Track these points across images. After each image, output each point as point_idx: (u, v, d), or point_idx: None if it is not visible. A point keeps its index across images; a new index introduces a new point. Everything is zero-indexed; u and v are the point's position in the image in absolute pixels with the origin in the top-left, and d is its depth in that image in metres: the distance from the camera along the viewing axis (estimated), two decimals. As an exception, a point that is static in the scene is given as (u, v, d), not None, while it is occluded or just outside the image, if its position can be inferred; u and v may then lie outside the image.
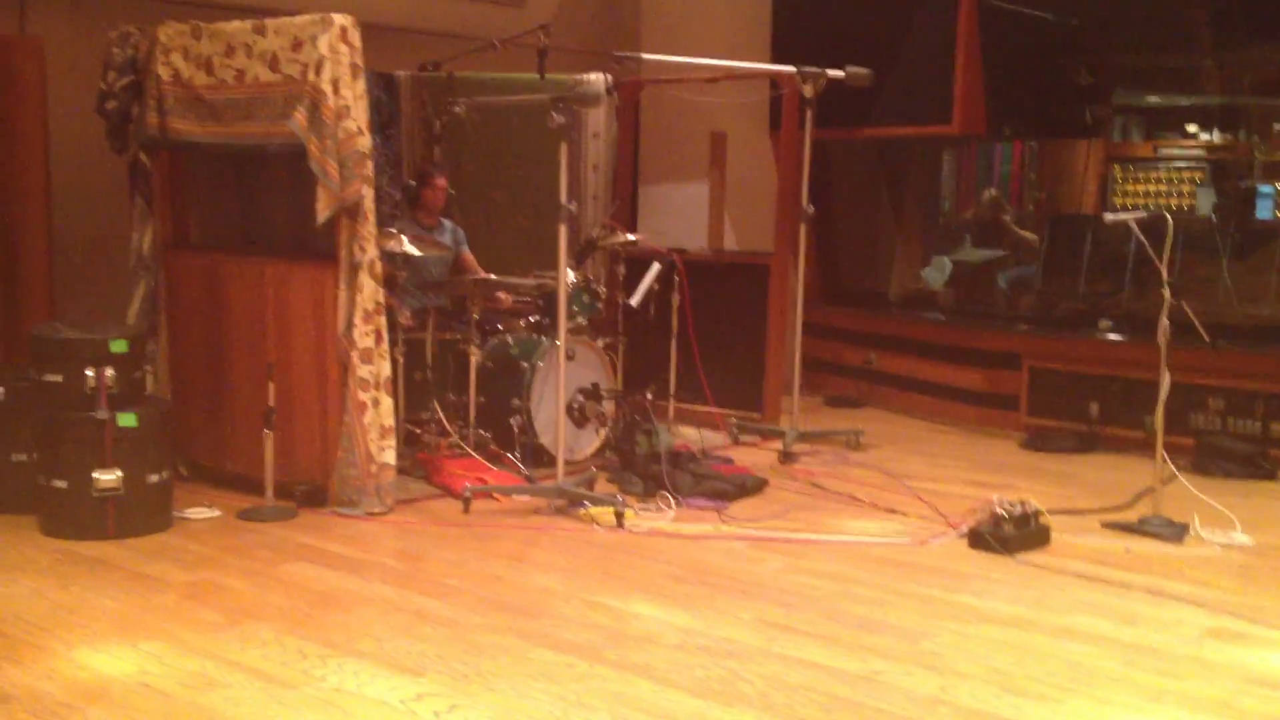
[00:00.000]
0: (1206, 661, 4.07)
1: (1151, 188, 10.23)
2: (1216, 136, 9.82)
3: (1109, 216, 5.76)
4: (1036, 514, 5.43)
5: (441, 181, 7.06)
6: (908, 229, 9.94)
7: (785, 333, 7.36)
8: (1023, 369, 7.86)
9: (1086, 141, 9.81)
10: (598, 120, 7.94)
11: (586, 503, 5.73)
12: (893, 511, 5.93)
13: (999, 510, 5.35)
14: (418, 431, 6.57)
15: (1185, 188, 10.01)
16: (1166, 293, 5.50)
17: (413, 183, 7.06)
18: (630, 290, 7.25)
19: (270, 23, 5.56)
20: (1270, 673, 3.97)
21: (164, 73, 5.90)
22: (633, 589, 4.69)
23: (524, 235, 7.87)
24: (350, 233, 5.51)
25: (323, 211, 5.44)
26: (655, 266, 7.24)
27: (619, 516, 5.56)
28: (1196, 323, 5.76)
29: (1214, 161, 9.88)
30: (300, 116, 5.39)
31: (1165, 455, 5.72)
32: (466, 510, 5.73)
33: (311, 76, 5.39)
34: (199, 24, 5.82)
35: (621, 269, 7.24)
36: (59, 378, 5.11)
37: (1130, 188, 10.26)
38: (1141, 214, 5.72)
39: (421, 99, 7.91)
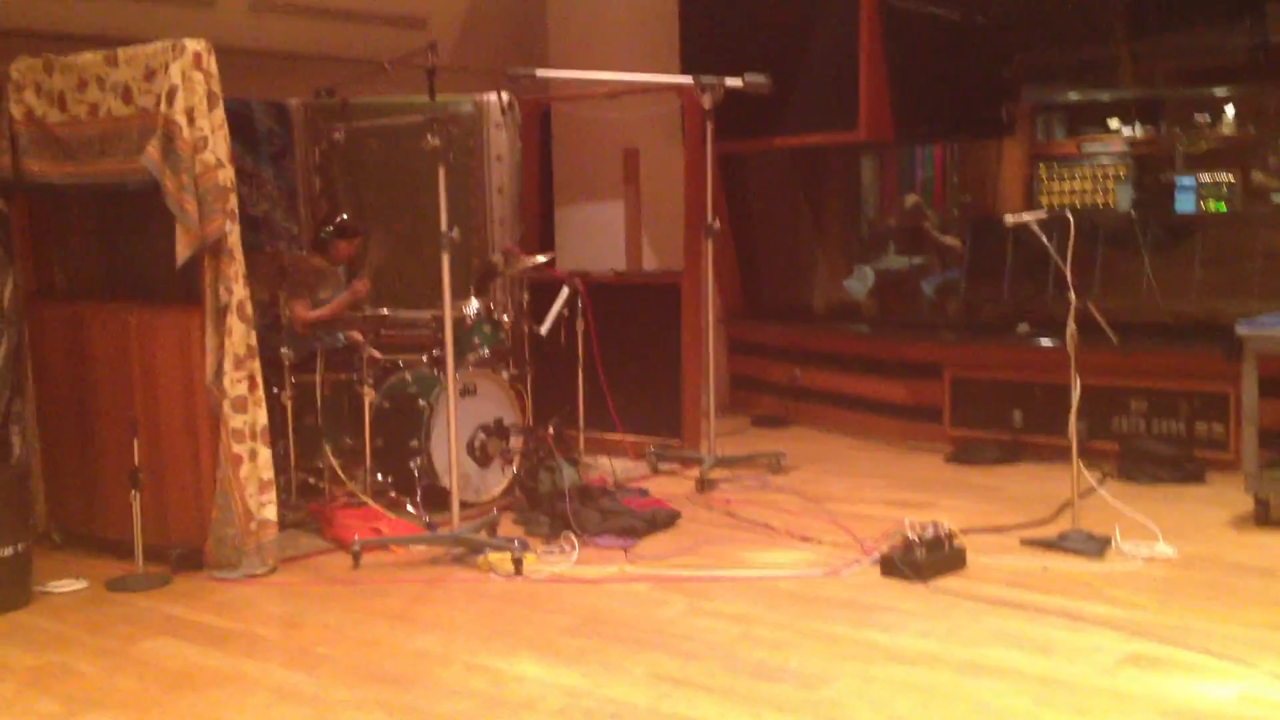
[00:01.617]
0: (1122, 694, 3.81)
1: (1077, 185, 10.06)
2: (1138, 130, 9.66)
3: (1009, 218, 5.52)
4: (950, 536, 5.16)
5: (355, 245, 6.74)
6: (828, 239, 9.71)
7: (700, 353, 7.07)
8: (944, 379, 7.62)
9: (1009, 141, 9.62)
10: (500, 142, 7.64)
11: (486, 549, 5.41)
12: (807, 539, 5.66)
13: (910, 534, 5.09)
14: (311, 481, 6.24)
15: (1110, 184, 9.85)
16: (1071, 295, 5.26)
17: (330, 230, 6.71)
18: (539, 318, 6.96)
19: (122, 52, 5.24)
20: (1188, 703, 3.72)
21: (16, 111, 5.56)
22: (521, 646, 4.38)
23: (432, 265, 7.53)
24: (215, 273, 5.19)
25: (183, 251, 5.12)
26: (564, 292, 6.94)
27: (517, 563, 5.25)
28: (1104, 324, 5.54)
29: (1137, 156, 9.72)
30: (153, 150, 5.07)
31: (1082, 465, 5.51)
32: (356, 565, 5.40)
33: (164, 107, 5.06)
34: (51, 57, 5.48)
35: (526, 296, 6.94)
36: (-104, 447, 4.75)
37: (1056, 186, 10.09)
38: (1042, 214, 5.49)
39: (316, 127, 7.58)
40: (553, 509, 5.87)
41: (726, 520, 6.06)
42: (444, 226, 5.33)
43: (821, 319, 9.19)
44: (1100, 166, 9.95)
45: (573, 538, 5.60)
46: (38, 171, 5.54)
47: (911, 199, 10.02)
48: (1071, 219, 5.30)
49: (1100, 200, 9.82)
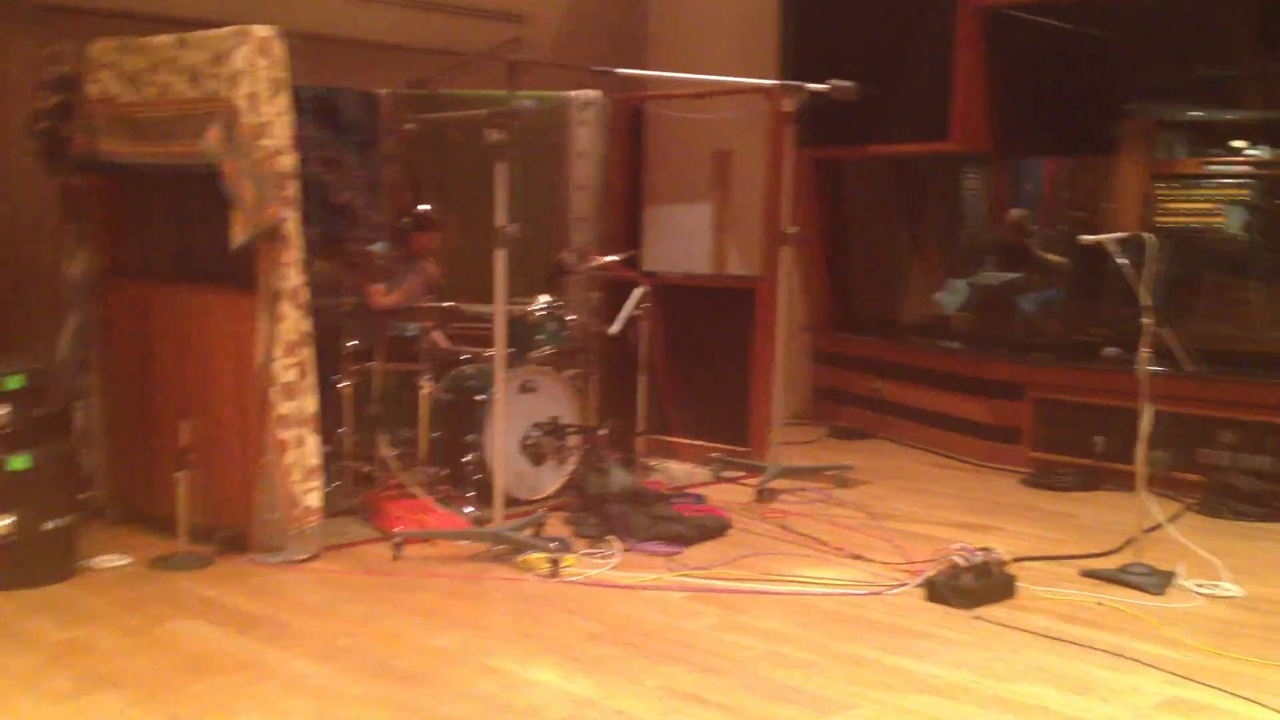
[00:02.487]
0: (1154, 743, 3.60)
1: (1196, 205, 9.64)
2: (1265, 152, 9.21)
3: (1085, 237, 5.28)
4: (1001, 563, 4.96)
5: (434, 238, 6.74)
6: (923, 251, 9.45)
7: (770, 361, 6.92)
8: (1027, 399, 7.35)
9: (1125, 159, 9.26)
10: (584, 138, 7.59)
11: (526, 548, 5.35)
12: (858, 558, 5.48)
13: (958, 559, 4.89)
14: (366, 470, 6.24)
15: (1231, 206, 9.41)
16: (1146, 319, 5.01)
17: (408, 220, 6.73)
18: (613, 318, 6.88)
19: (192, 36, 5.29)
20: (1223, 759, 3.49)
21: (93, 91, 5.65)
22: (541, 650, 4.31)
23: (513, 259, 7.51)
24: (270, 259, 5.21)
25: (238, 236, 5.15)
26: (638, 292, 6.85)
27: (553, 564, 5.17)
28: (1178, 350, 5.26)
29: (1262, 178, 9.27)
30: (214, 135, 5.11)
31: (1152, 497, 5.26)
32: (397, 556, 5.38)
33: (227, 91, 5.10)
34: (128, 39, 5.56)
35: (597, 295, 6.87)
36: (-51, 415, 4.85)
37: (1173, 206, 9.68)
38: (1122, 234, 5.24)
39: (404, 118, 7.61)
40: (602, 511, 5.79)
41: (779, 533, 5.92)
42: (500, 221, 5.25)
43: (910, 332, 8.95)
44: (1222, 188, 9.53)
45: (616, 541, 5.50)
46: (110, 151, 5.62)
47: (1016, 213, 9.68)
48: (1152, 240, 5.05)
49: (1218, 222, 9.40)
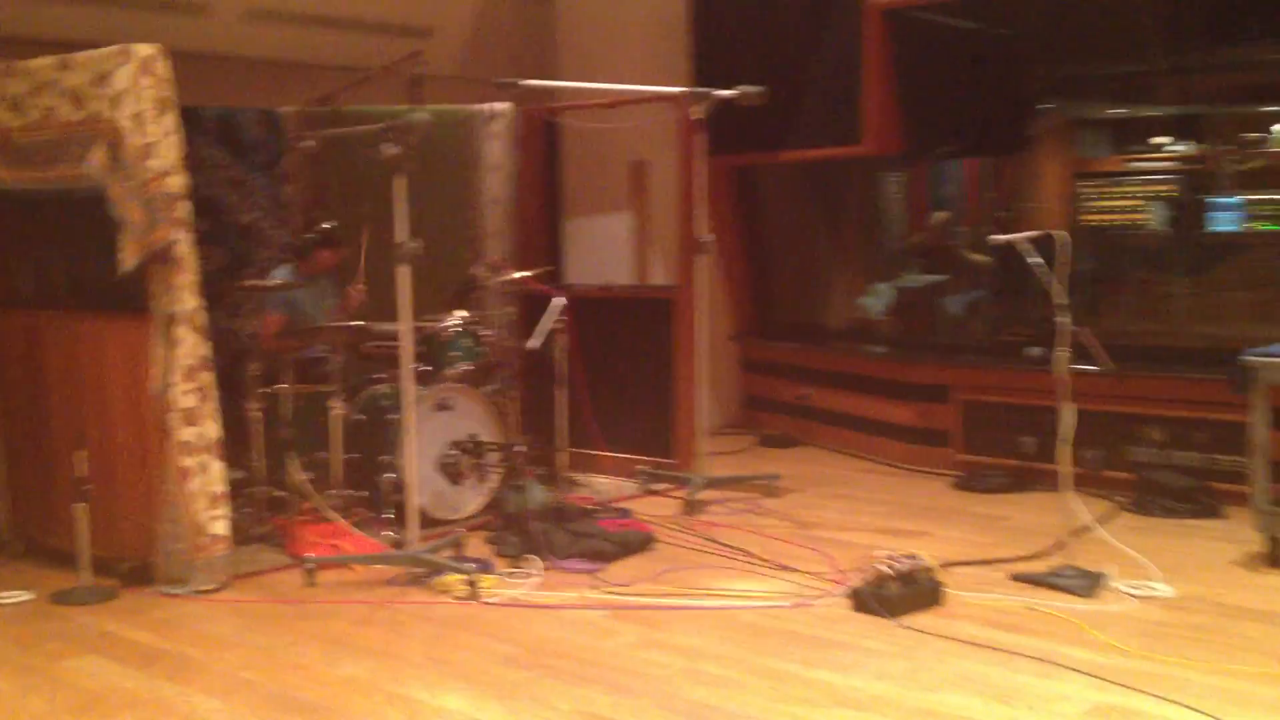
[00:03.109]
0: (1080, 750, 3.51)
1: (1119, 203, 9.68)
2: (1185, 147, 9.26)
3: (995, 237, 5.23)
4: (928, 569, 4.86)
5: (339, 254, 6.59)
6: (846, 256, 9.41)
7: (693, 370, 6.81)
8: (954, 402, 7.30)
9: (1047, 157, 9.27)
10: (496, 152, 7.46)
11: (443, 570, 5.19)
12: (784, 568, 5.37)
13: (883, 567, 4.79)
14: (278, 495, 6.05)
15: (1154, 202, 9.45)
16: (1062, 318, 4.95)
17: (312, 237, 6.56)
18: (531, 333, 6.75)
19: (74, 57, 5.10)
20: (1150, 762, 3.41)
21: (-24, 117, 5.43)
22: (452, 676, 4.15)
23: (425, 275, 7.35)
24: (163, 282, 5.02)
25: (128, 259, 4.96)
26: (556, 304, 6.71)
27: (471, 586, 5.02)
28: (1096, 350, 5.21)
29: (1184, 174, 9.32)
30: (98, 157, 4.93)
31: (1078, 498, 5.20)
32: (310, 583, 5.21)
33: (110, 112, 4.91)
34: (8, 62, 5.36)
35: (513, 310, 6.73)
36: None
37: (1097, 204, 9.71)
38: (1032, 233, 5.19)
39: (305, 136, 7.41)
40: (522, 529, 5.65)
41: (706, 545, 5.80)
42: (400, 236, 5.10)
43: (836, 337, 8.89)
44: (1145, 184, 9.56)
45: (537, 560, 5.36)
46: (-3, 177, 5.41)
47: (939, 216, 9.69)
48: (1063, 238, 5.00)
49: (1143, 219, 9.44)
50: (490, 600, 4.98)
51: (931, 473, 7.34)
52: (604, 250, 8.76)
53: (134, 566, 5.21)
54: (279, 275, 6.59)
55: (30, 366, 5.51)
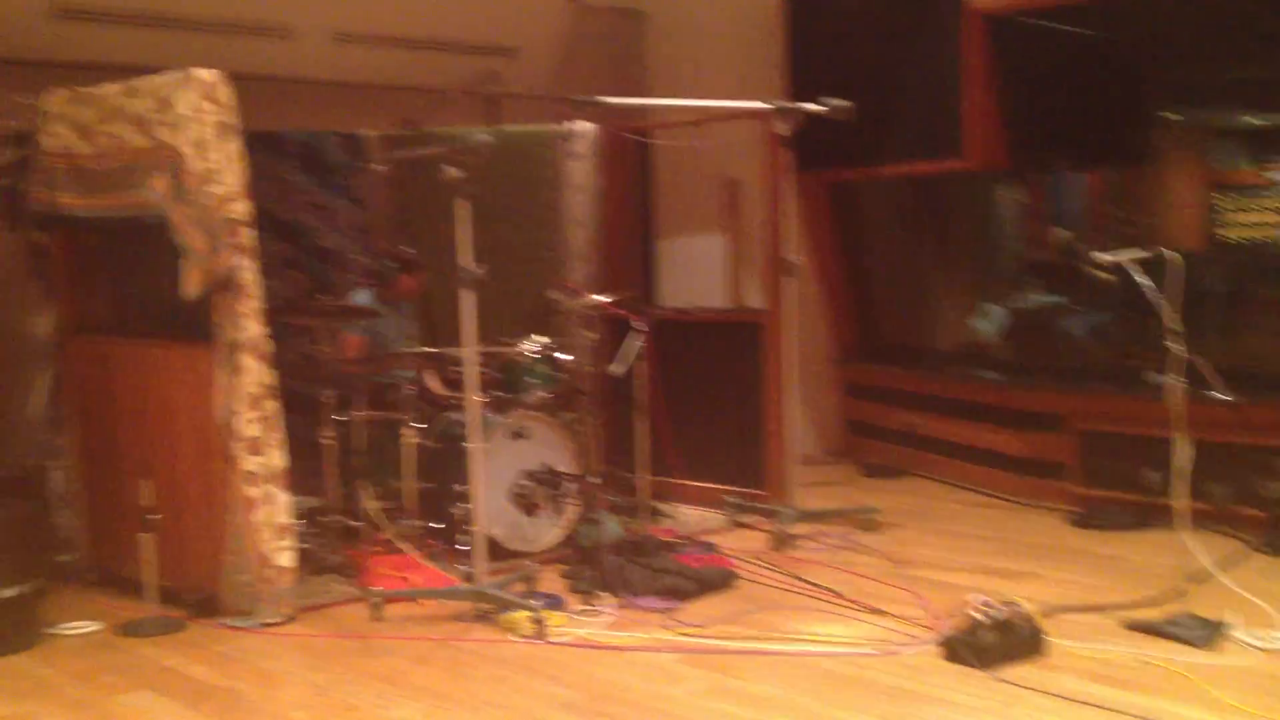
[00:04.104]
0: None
1: (1261, 217, 9.12)
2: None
3: (1103, 256, 4.84)
4: (1028, 617, 4.49)
5: (420, 280, 6.46)
6: (956, 275, 8.99)
7: (783, 397, 6.50)
8: (1072, 432, 6.86)
9: (1179, 169, 8.75)
10: (579, 172, 7.26)
11: (509, 606, 4.97)
12: (874, 611, 5.03)
13: (977, 614, 4.44)
14: (354, 525, 5.91)
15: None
16: (1174, 344, 4.56)
17: (394, 265, 6.44)
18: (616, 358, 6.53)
19: (139, 83, 5.03)
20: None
21: (50, 144, 5.41)
22: (505, 722, 3.93)
23: (506, 300, 7.18)
24: (226, 310, 4.90)
25: (191, 287, 4.86)
26: (638, 329, 6.47)
27: (537, 624, 4.79)
28: (1212, 378, 4.79)
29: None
30: (160, 183, 4.83)
31: (1197, 537, 4.78)
32: (376, 617, 5.04)
33: (170, 138, 4.81)
34: (79, 89, 5.31)
35: (594, 334, 6.50)
36: (-105, 481, 4.59)
37: (1236, 218, 9.16)
38: (1142, 253, 4.80)
39: (374, 159, 7.33)
40: (598, 564, 5.41)
41: (790, 584, 5.49)
42: (464, 261, 4.91)
43: (944, 361, 8.47)
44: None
45: (607, 597, 5.12)
46: (68, 205, 5.38)
47: (1060, 232, 9.23)
48: (1175, 258, 4.61)
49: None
50: (557, 640, 4.74)
51: (1045, 507, 6.90)
52: (697, 272, 8.51)
53: (201, 598, 5.10)
54: (358, 299, 6.48)
55: (104, 394, 5.45)
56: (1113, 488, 6.66)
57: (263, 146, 6.87)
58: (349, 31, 7.74)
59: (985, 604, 4.48)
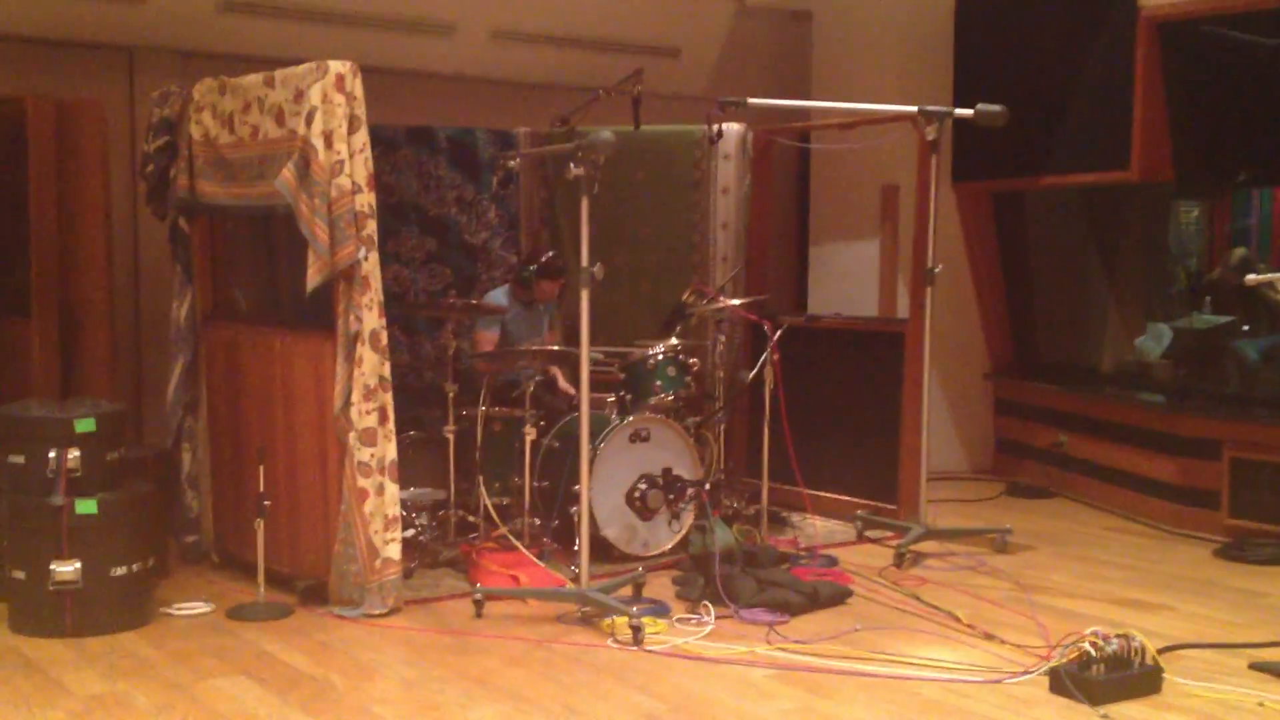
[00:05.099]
0: None
1: None
2: None
3: (1250, 277, 4.53)
4: (1142, 651, 4.23)
5: (560, 284, 6.48)
6: (1122, 292, 8.58)
7: (920, 410, 6.29)
8: (1223, 459, 6.48)
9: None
10: (728, 175, 7.17)
11: (611, 611, 4.93)
12: (990, 637, 4.82)
13: (1089, 645, 4.20)
14: (471, 519, 5.95)
15: None
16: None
17: (532, 268, 6.47)
18: (749, 363, 6.44)
19: (279, 73, 5.14)
20: None
21: (195, 132, 5.58)
22: (582, 729, 3.88)
23: (645, 300, 7.17)
24: (347, 300, 4.98)
25: (313, 278, 4.94)
26: (775, 336, 6.36)
27: (635, 630, 4.73)
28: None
29: None
30: (289, 174, 4.93)
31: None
32: (478, 614, 5.05)
33: (302, 129, 4.91)
34: (225, 79, 5.47)
35: (722, 338, 6.41)
36: (21, 459, 4.77)
37: None
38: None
39: (541, 157, 7.34)
40: (708, 572, 5.32)
41: (907, 603, 5.31)
42: (584, 261, 4.87)
43: (1102, 381, 8.10)
44: None
45: (711, 607, 5.03)
46: (208, 193, 5.54)
47: (1239, 253, 8.74)
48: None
49: None
50: (652, 648, 4.67)
51: (1193, 537, 6.55)
52: (851, 278, 8.32)
53: (311, 585, 5.20)
54: (495, 297, 6.52)
55: (232, 380, 5.61)
56: (1263, 519, 6.27)
57: (414, 141, 7.05)
58: (509, 29, 7.83)
59: (1099, 635, 4.24)
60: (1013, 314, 8.36)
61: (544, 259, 6.45)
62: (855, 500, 6.75)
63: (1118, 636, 4.25)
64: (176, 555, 5.77)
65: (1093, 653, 4.19)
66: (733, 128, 7.07)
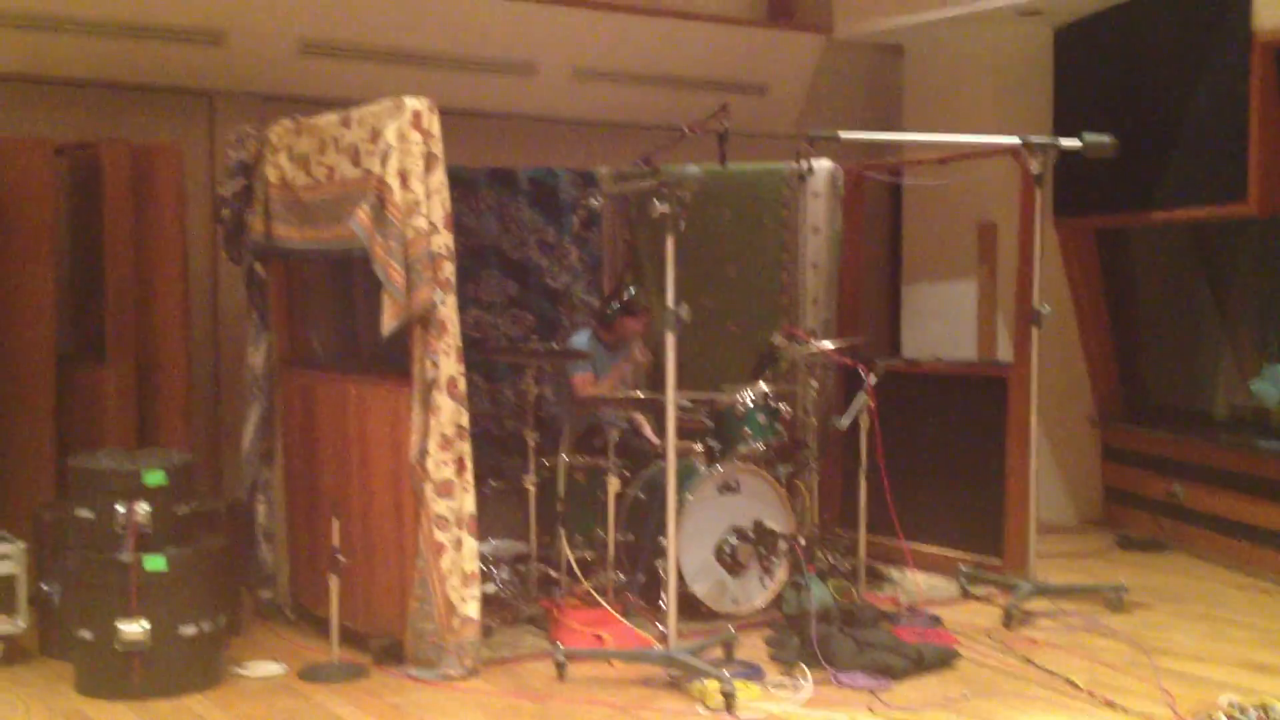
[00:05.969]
0: None
1: None
2: None
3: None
4: (1286, 728, 3.87)
5: (643, 322, 6.25)
6: (1236, 332, 8.13)
7: (1026, 459, 5.95)
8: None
9: None
10: (818, 213, 6.91)
11: (699, 675, 4.63)
12: (1111, 705, 4.46)
13: (1222, 716, 3.84)
14: (553, 575, 5.71)
15: None
16: None
17: (616, 306, 6.26)
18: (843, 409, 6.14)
19: (355, 112, 4.98)
20: None
21: (272, 175, 5.44)
22: (671, 808, 3.60)
23: (733, 344, 6.90)
24: (424, 346, 4.78)
25: (389, 322, 4.74)
26: (869, 380, 6.05)
27: (727, 698, 4.43)
28: None
29: None
30: (364, 215, 4.75)
31: None
32: (560, 676, 4.79)
33: (377, 168, 4.74)
34: (301, 120, 5.33)
35: (815, 384, 6.11)
36: (90, 514, 4.61)
37: None
38: None
39: (624, 197, 7.13)
40: (804, 633, 5.01)
41: (1020, 668, 4.95)
42: (669, 301, 4.63)
43: (1218, 427, 7.65)
44: None
45: (807, 670, 4.72)
46: (284, 236, 5.39)
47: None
48: None
49: None
50: (745, 715, 4.37)
51: (1330, 596, 6.11)
52: (947, 320, 7.99)
53: (386, 644, 4.97)
54: (579, 341, 6.31)
55: (308, 428, 5.44)
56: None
57: (494, 182, 6.88)
58: (591, 68, 7.65)
59: (1234, 706, 3.88)
60: (1119, 356, 7.97)
61: (627, 297, 6.23)
62: (957, 554, 6.40)
63: (1255, 708, 3.89)
64: (251, 610, 5.58)
65: (1231, 726, 3.82)
66: (823, 164, 6.81)
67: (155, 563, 4.54)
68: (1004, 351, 7.58)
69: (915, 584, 6.18)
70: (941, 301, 8.08)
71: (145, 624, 4.52)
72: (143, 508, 4.58)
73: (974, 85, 7.90)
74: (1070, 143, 5.64)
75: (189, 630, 4.61)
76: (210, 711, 4.45)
